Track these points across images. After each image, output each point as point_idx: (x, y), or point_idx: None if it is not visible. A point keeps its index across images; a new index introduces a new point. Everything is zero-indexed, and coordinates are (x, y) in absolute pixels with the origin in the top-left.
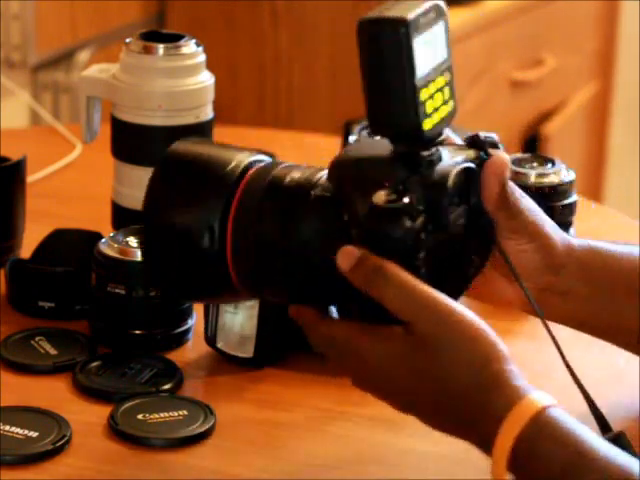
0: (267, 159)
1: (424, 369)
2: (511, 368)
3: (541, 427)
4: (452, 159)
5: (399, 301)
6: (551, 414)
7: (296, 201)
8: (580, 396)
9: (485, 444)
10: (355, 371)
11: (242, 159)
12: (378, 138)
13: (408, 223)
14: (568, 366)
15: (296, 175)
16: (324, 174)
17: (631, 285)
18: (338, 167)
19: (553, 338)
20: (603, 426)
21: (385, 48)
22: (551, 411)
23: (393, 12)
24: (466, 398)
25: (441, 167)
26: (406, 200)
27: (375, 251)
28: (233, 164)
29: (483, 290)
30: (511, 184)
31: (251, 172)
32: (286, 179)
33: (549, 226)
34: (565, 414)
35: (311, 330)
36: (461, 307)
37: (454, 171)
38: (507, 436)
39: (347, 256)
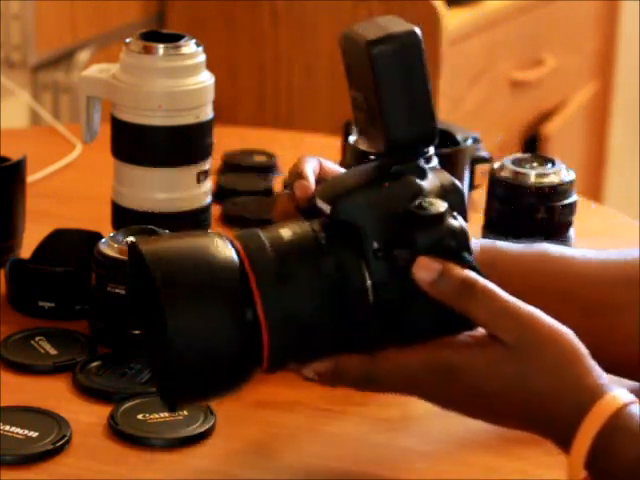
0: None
1: (514, 372)
2: (591, 368)
3: (619, 423)
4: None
5: (485, 311)
6: (630, 411)
7: (310, 255)
8: None
9: (564, 442)
10: (437, 390)
11: (224, 248)
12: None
13: (457, 222)
14: None
15: (286, 233)
16: (306, 223)
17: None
18: (340, 198)
19: None
20: None
21: (404, 61)
22: (630, 408)
23: (394, 28)
24: (551, 399)
25: (437, 174)
26: (445, 204)
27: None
28: (226, 258)
29: None
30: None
31: (243, 256)
32: (284, 239)
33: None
34: None
35: (376, 374)
36: (538, 311)
37: (450, 176)
38: (586, 434)
39: (427, 269)
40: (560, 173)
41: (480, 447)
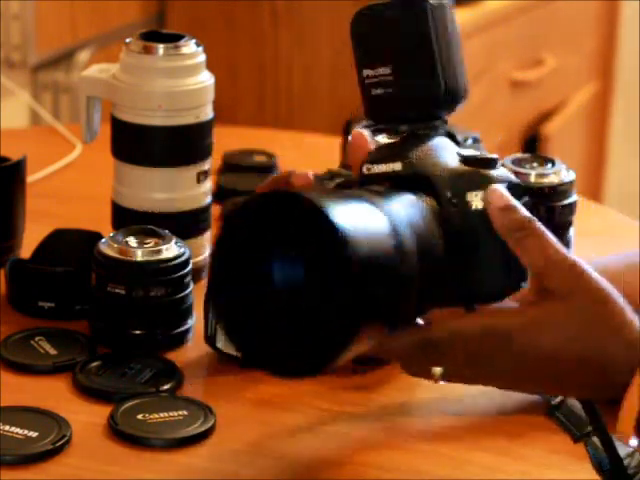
0: None
1: (563, 324)
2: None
3: None
4: None
5: (540, 252)
6: None
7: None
8: None
9: (614, 401)
10: (489, 357)
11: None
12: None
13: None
14: None
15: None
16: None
17: None
18: (415, 157)
19: None
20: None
21: (429, 19)
22: None
23: None
24: (602, 354)
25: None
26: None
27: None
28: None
29: None
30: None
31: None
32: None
33: None
34: None
35: (434, 339)
36: (590, 270)
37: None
38: (636, 395)
39: (501, 197)
40: (560, 173)
41: (480, 447)
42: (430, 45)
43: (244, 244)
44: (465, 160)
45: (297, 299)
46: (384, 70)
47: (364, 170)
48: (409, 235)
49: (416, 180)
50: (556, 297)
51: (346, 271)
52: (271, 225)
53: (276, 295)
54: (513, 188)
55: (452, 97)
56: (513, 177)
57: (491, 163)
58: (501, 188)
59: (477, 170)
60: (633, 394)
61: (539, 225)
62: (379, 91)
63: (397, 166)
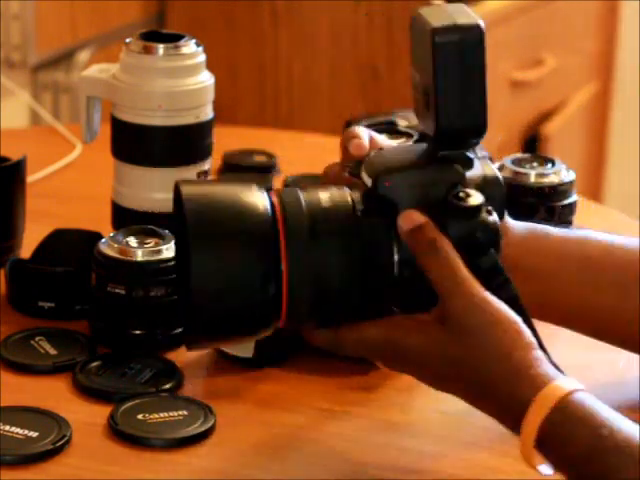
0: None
1: (455, 355)
2: (537, 355)
3: (566, 411)
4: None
5: (441, 273)
6: (576, 398)
7: (344, 221)
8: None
9: (516, 429)
10: (393, 363)
11: (261, 198)
12: (397, 143)
13: (490, 218)
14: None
15: (324, 196)
16: (347, 190)
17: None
18: (383, 175)
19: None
20: None
21: (468, 53)
22: (576, 395)
23: (461, 18)
24: (495, 385)
25: (483, 165)
26: (482, 197)
27: (466, 249)
28: (260, 207)
29: None
30: None
31: (278, 209)
32: (321, 203)
33: None
34: (590, 397)
35: (342, 342)
36: (493, 296)
37: (495, 168)
38: (533, 421)
39: (409, 220)
40: (560, 173)
41: (480, 447)
42: (435, 77)
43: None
44: (446, 203)
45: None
46: (416, 75)
47: (360, 171)
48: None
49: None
50: (451, 323)
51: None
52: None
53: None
54: (488, 237)
55: (447, 132)
56: (482, 234)
57: (471, 213)
58: (412, 211)
59: (447, 217)
60: (528, 425)
61: (445, 248)
62: (413, 91)
63: (369, 182)
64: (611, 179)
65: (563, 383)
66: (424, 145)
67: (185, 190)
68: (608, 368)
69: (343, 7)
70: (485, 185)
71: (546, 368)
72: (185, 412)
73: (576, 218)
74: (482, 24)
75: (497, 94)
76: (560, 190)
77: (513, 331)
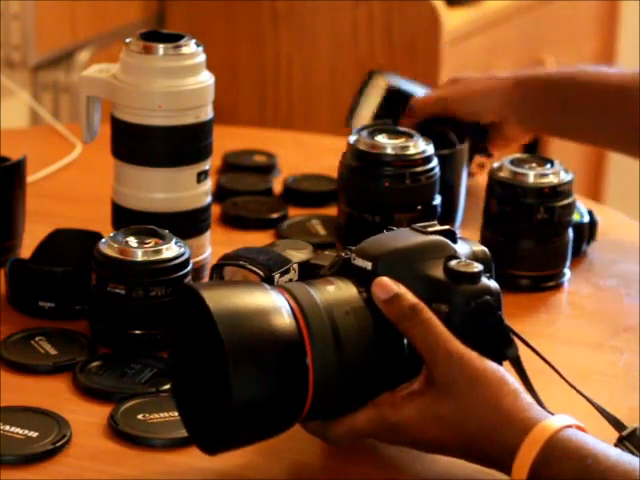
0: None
1: (447, 416)
2: (523, 402)
3: (553, 449)
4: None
5: (424, 336)
6: (564, 436)
7: (362, 321)
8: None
9: (508, 472)
10: (387, 439)
11: (280, 303)
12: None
13: (492, 282)
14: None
15: (330, 288)
16: (347, 280)
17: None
18: (385, 261)
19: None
20: (616, 424)
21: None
22: (564, 433)
23: None
24: (487, 437)
25: (466, 241)
26: (480, 265)
27: (474, 313)
28: (285, 318)
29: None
30: None
31: (297, 313)
32: (333, 300)
33: None
34: (577, 432)
35: (332, 434)
36: (469, 351)
37: (478, 243)
38: (522, 467)
39: (384, 289)
40: (559, 173)
41: None
42: None
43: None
44: (446, 270)
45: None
46: None
47: (351, 258)
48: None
49: None
50: (436, 388)
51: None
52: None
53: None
54: (482, 307)
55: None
56: (493, 292)
57: (473, 278)
58: (385, 279)
59: (449, 282)
60: (520, 467)
61: (423, 313)
62: None
63: (368, 265)
64: (611, 179)
65: (551, 422)
66: (410, 228)
67: (213, 305)
68: (608, 368)
69: (343, 7)
70: (475, 258)
71: (535, 411)
72: None
73: (576, 218)
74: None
75: None
76: (559, 190)
77: (497, 380)
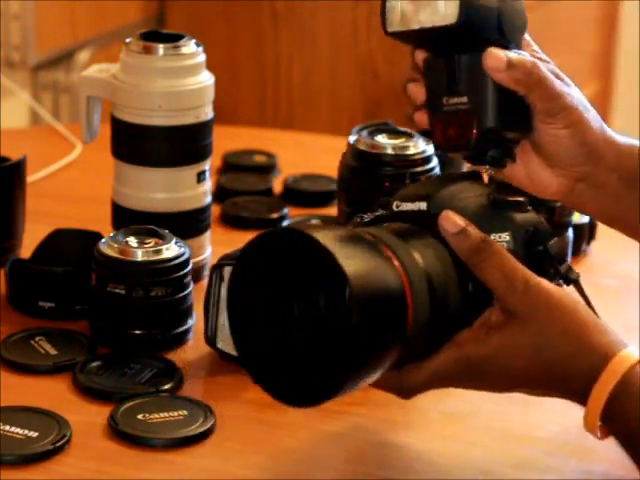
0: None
1: (530, 344)
2: (602, 328)
3: (632, 381)
4: None
5: (497, 272)
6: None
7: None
8: None
9: (582, 401)
10: (469, 381)
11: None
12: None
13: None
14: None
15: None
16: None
17: None
18: (439, 198)
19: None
20: None
21: None
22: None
23: None
24: (567, 362)
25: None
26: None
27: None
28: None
29: (519, 172)
30: (549, 67)
31: (390, 254)
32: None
33: (589, 114)
34: None
35: (409, 384)
36: (545, 281)
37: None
38: (600, 393)
39: (452, 222)
40: None
41: (480, 447)
42: None
43: (261, 277)
44: (493, 202)
45: (308, 333)
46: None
47: (394, 207)
48: (421, 285)
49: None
50: (517, 318)
51: (348, 323)
52: (285, 262)
53: (291, 328)
54: (538, 233)
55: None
56: (541, 220)
57: (520, 206)
58: (452, 213)
59: (502, 212)
60: (599, 391)
61: (494, 245)
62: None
63: (423, 205)
64: None
65: (632, 353)
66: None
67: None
68: None
69: (343, 7)
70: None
71: (613, 335)
72: (185, 412)
73: (576, 218)
74: None
75: None
76: None
77: (573, 306)
